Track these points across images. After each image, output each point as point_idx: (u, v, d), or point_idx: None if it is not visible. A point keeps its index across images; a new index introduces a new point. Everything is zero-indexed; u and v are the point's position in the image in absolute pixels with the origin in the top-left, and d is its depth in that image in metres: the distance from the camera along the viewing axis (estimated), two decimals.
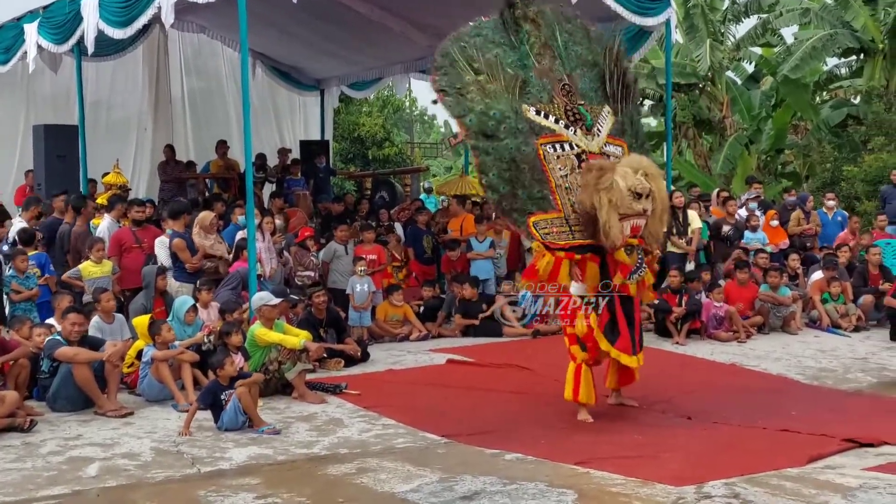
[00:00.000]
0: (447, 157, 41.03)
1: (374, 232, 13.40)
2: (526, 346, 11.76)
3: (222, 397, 7.88)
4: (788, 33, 26.30)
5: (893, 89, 22.86)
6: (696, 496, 5.89)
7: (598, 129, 8.25)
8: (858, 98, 24.88)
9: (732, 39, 26.19)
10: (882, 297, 12.68)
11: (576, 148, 8.02)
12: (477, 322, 12.37)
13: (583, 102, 8.30)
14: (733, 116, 25.35)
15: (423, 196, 20.04)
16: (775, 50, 25.83)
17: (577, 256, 7.79)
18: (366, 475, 6.59)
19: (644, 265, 8.00)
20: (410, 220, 14.97)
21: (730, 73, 26.26)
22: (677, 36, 23.93)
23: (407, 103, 36.49)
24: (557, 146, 7.98)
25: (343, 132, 27.48)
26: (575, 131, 8.08)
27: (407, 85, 20.23)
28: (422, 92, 65.25)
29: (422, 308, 12.75)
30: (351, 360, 10.47)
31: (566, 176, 7.88)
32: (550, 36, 8.46)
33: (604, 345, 7.92)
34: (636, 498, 5.93)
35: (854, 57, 24.85)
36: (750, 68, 26.84)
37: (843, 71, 25.83)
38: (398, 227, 14.80)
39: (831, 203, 16.00)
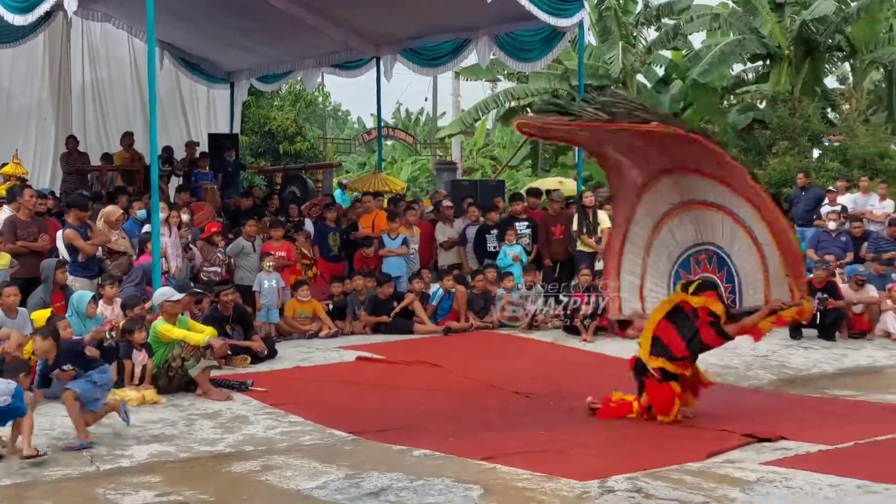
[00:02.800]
0: (360, 153, 40.83)
1: (283, 228, 13.21)
2: (437, 343, 11.75)
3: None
4: (698, 39, 26.85)
5: (798, 94, 23.49)
6: (600, 490, 5.96)
7: None
8: (764, 103, 25.49)
9: (644, 42, 26.59)
10: None
11: None
12: (388, 319, 12.32)
13: None
14: None
15: (337, 192, 19.81)
16: (684, 54, 26.31)
17: None
18: (271, 472, 6.51)
19: None
20: (321, 216, 14.78)
21: (640, 77, 26.64)
22: (590, 38, 24.20)
23: (320, 98, 36.12)
24: None
25: (253, 126, 27.05)
26: None
27: (319, 79, 19.97)
28: (335, 87, 64.88)
29: (331, 306, 12.62)
30: (258, 358, 10.33)
31: None
32: None
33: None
34: (541, 492, 5.96)
35: (761, 62, 25.46)
36: (660, 72, 27.27)
37: (750, 76, 26.44)
38: (308, 224, 14.61)
39: None
